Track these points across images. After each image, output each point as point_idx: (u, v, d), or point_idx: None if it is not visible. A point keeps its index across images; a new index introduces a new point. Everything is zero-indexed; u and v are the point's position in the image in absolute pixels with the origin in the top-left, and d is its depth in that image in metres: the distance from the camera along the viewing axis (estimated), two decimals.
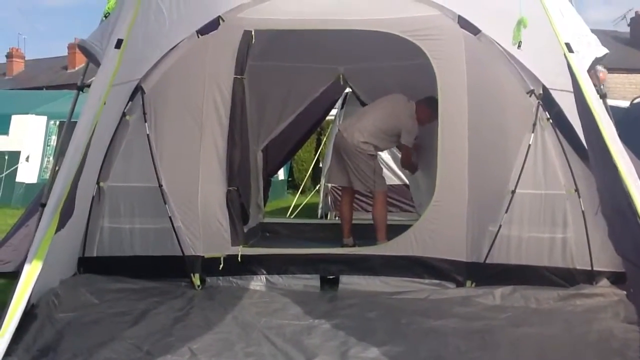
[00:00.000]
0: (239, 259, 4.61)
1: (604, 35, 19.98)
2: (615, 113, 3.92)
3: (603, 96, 3.58)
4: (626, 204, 2.46)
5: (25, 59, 32.28)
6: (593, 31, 3.35)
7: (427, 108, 5.29)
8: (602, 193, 2.92)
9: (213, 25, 4.55)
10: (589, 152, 3.02)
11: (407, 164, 5.90)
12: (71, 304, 3.78)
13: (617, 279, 4.17)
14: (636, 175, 2.57)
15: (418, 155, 5.85)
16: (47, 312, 3.48)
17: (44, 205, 3.19)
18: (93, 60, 3.43)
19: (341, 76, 6.23)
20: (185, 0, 3.99)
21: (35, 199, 5.13)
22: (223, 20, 4.57)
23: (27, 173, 11.23)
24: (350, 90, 6.73)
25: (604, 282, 4.30)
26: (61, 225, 3.04)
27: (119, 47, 3.19)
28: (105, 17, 3.51)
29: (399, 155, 8.19)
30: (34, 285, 3.06)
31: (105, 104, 3.43)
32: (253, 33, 4.62)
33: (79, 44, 3.48)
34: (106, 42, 3.29)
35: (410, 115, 5.36)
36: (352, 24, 4.73)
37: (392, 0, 4.67)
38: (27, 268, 2.73)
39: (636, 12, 25.36)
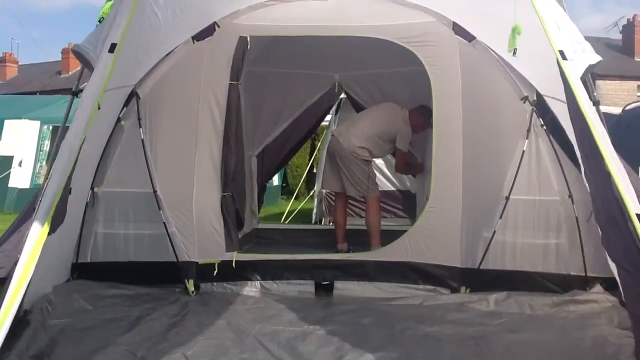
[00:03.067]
0: (234, 264, 4.60)
1: (596, 43, 20.13)
2: (607, 119, 3.95)
3: (596, 103, 3.60)
4: (618, 210, 2.47)
5: (19, 63, 32.21)
6: (585, 38, 3.37)
7: (420, 116, 5.34)
8: (595, 200, 2.94)
9: (209, 31, 4.56)
10: (582, 159, 3.04)
11: (401, 169, 5.92)
12: (65, 310, 3.77)
13: (610, 284, 4.18)
14: (629, 182, 2.59)
15: (422, 159, 5.85)
16: (41, 318, 3.47)
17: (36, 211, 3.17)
18: (87, 65, 3.42)
19: (336, 83, 6.25)
20: (181, 6, 3.99)
21: (28, 204, 5.10)
22: (219, 26, 4.58)
23: (20, 178, 11.18)
24: (345, 96, 6.74)
25: (598, 288, 4.32)
26: (52, 230, 3.02)
27: (112, 51, 3.19)
28: (100, 22, 3.50)
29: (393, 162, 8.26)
30: (27, 292, 3.05)
31: (99, 107, 3.42)
32: (249, 39, 4.62)
33: (73, 49, 3.47)
34: (100, 47, 3.28)
35: (404, 120, 5.39)
36: (348, 30, 4.74)
37: (387, 7, 4.68)
38: (17, 273, 2.71)
39: (628, 20, 25.61)
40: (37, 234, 2.81)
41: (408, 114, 5.42)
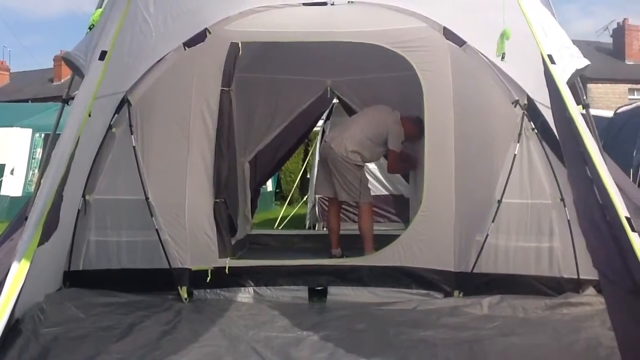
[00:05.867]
0: (227, 271, 4.58)
1: (586, 46, 20.30)
2: (599, 123, 3.97)
3: (586, 106, 3.61)
4: (600, 215, 2.47)
5: (11, 71, 32.11)
6: (576, 42, 3.39)
7: (413, 125, 5.30)
8: (578, 204, 2.94)
9: (200, 37, 4.56)
10: (566, 163, 3.04)
11: (393, 169, 5.91)
12: (57, 318, 3.75)
13: None
14: (616, 188, 2.58)
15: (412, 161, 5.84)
16: (32, 327, 3.45)
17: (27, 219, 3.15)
18: (77, 72, 3.40)
19: (328, 88, 6.26)
20: (172, 12, 3.99)
21: (19, 212, 5.07)
22: (210, 33, 4.58)
23: (12, 186, 11.14)
24: (337, 101, 6.75)
25: (591, 290, 4.33)
26: (45, 238, 3.00)
27: (102, 58, 3.19)
28: (90, 29, 3.49)
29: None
30: (19, 300, 3.03)
31: (90, 116, 3.41)
32: (240, 45, 4.63)
33: (63, 56, 3.46)
34: (91, 54, 3.27)
35: (395, 121, 5.40)
36: (339, 36, 4.75)
37: (378, 12, 4.70)
38: (8, 282, 2.70)
39: (618, 23, 25.82)
40: (28, 242, 2.80)
41: (400, 117, 5.42)
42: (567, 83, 2.76)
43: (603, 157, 2.63)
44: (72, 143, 3.12)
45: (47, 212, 2.91)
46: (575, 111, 2.61)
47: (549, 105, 3.10)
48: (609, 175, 2.46)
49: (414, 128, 5.30)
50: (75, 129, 3.13)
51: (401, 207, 7.93)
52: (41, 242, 2.92)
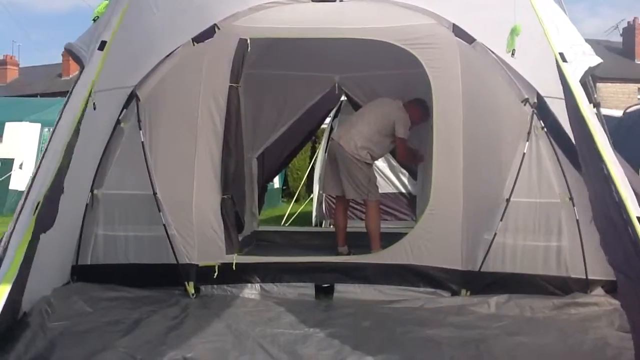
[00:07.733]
0: (234, 267, 4.59)
1: (596, 45, 20.17)
2: (608, 122, 3.94)
3: (597, 105, 3.59)
4: (617, 213, 2.46)
5: (20, 66, 32.27)
6: (586, 41, 3.37)
7: (417, 108, 5.34)
8: (594, 202, 2.92)
9: (209, 33, 4.56)
10: (581, 161, 3.03)
11: (404, 157, 5.85)
12: (64, 312, 3.76)
13: (611, 287, 4.17)
14: (629, 185, 2.57)
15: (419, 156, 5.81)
16: (40, 320, 3.46)
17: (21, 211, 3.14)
18: (79, 63, 3.41)
19: (336, 84, 6.25)
20: (181, 8, 3.99)
21: None
22: (219, 28, 4.58)
23: (21, 181, 11.17)
24: (346, 98, 6.74)
25: (599, 290, 4.31)
26: (40, 230, 2.99)
27: (102, 49, 3.19)
28: (94, 20, 3.49)
29: (395, 165, 8.26)
30: (26, 294, 3.04)
31: (94, 108, 3.39)
32: (249, 41, 4.62)
33: (66, 47, 3.44)
34: (93, 46, 3.28)
35: (399, 108, 5.38)
36: (347, 32, 4.74)
37: (387, 9, 4.68)
38: (1, 274, 2.69)
39: (628, 22, 25.66)
40: (21, 235, 2.79)
41: (402, 104, 5.40)
42: (580, 81, 2.74)
43: (615, 156, 2.61)
44: (68, 133, 3.11)
45: (40, 203, 2.90)
46: (587, 110, 2.59)
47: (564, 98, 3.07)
48: (622, 174, 2.45)
49: (419, 111, 5.32)
50: (71, 118, 3.12)
51: (409, 205, 7.93)
52: (36, 234, 2.91)
